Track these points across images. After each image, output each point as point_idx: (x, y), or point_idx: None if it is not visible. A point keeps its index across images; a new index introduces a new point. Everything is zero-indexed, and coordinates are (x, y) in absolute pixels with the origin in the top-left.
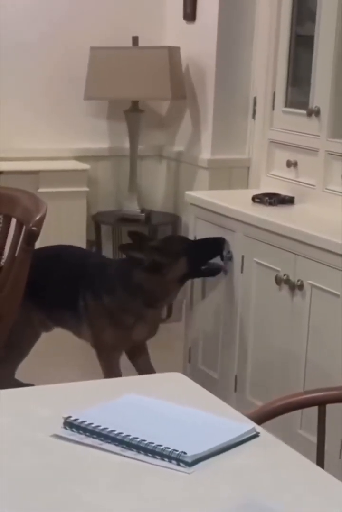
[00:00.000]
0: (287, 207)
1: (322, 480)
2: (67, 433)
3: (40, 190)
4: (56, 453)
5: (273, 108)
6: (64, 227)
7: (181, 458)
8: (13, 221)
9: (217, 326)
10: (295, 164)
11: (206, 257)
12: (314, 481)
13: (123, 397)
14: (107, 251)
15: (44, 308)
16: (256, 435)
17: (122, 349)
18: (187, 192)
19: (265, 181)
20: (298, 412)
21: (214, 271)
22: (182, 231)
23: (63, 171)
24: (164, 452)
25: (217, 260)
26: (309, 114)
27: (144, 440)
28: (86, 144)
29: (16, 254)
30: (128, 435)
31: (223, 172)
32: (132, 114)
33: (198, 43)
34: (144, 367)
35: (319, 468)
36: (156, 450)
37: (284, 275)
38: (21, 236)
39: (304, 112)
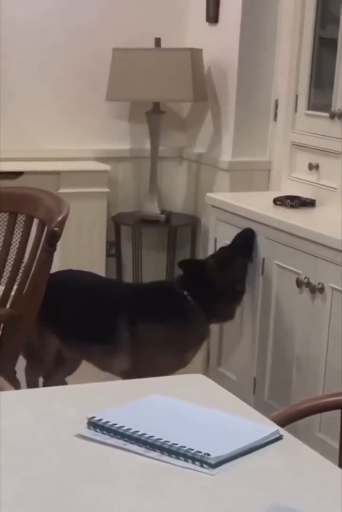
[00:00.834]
0: (308, 209)
1: None
2: (91, 433)
3: (61, 190)
4: (80, 453)
5: (296, 110)
6: (84, 228)
7: (204, 459)
8: (35, 221)
9: (236, 329)
10: (316, 167)
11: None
12: (337, 484)
13: (148, 398)
14: (127, 252)
15: (64, 339)
16: (279, 438)
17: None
18: (208, 194)
19: (286, 183)
20: (317, 416)
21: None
22: (201, 233)
23: (84, 171)
24: (188, 454)
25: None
26: (332, 116)
27: (168, 441)
28: (107, 145)
29: (37, 255)
30: (152, 436)
31: (244, 174)
32: (154, 115)
33: (220, 45)
34: None
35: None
36: (180, 451)
37: (305, 278)
38: (43, 237)
39: (327, 114)
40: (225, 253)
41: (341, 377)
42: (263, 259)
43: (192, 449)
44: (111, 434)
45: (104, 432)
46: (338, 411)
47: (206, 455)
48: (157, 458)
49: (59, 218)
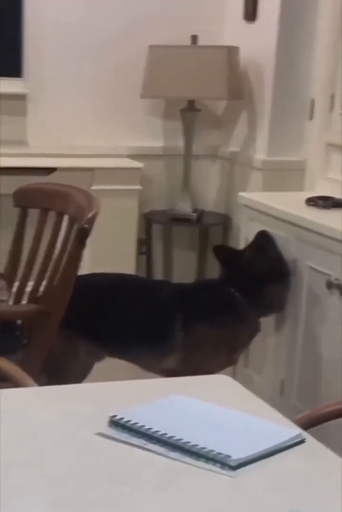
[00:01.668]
0: (341, 210)
1: None
2: (112, 432)
3: (94, 187)
4: (101, 451)
5: (331, 110)
6: (115, 225)
7: (225, 461)
8: (66, 218)
9: (265, 330)
10: None
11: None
12: None
13: (170, 397)
14: (158, 250)
15: (107, 343)
16: (302, 441)
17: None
18: (240, 193)
19: (321, 183)
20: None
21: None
22: (233, 233)
23: (117, 169)
24: (209, 455)
25: None
26: None
27: (189, 442)
28: (141, 142)
29: (67, 252)
30: (173, 436)
31: (278, 173)
32: (188, 113)
33: (257, 43)
34: None
35: None
36: (201, 452)
37: (335, 279)
38: (73, 233)
39: None
40: (256, 242)
41: None
42: (295, 260)
43: (213, 451)
44: (132, 433)
45: (126, 431)
46: None
47: (227, 457)
48: (178, 459)
49: (89, 215)
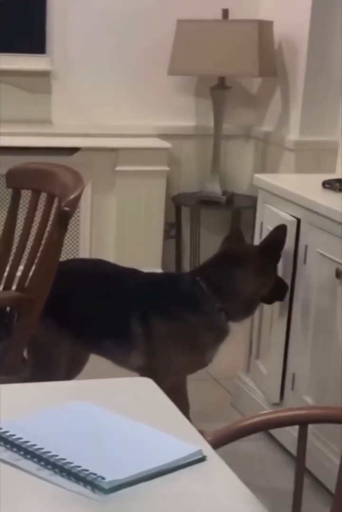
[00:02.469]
0: None
1: None
2: None
3: (118, 168)
4: None
5: None
6: (142, 208)
7: (97, 483)
8: (56, 200)
9: (276, 320)
10: None
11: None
12: None
13: (66, 404)
14: (186, 233)
15: (76, 334)
16: (202, 459)
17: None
18: (256, 175)
19: None
20: None
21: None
22: None
23: (142, 149)
24: (80, 475)
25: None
26: None
27: (63, 459)
28: (171, 121)
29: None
30: (48, 452)
31: (311, 154)
32: (218, 91)
33: (292, 18)
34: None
35: (256, 501)
36: (73, 471)
37: None
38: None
39: None
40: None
41: None
42: (306, 246)
43: (87, 470)
44: (7, 445)
45: (1, 443)
46: None
47: (100, 478)
48: (47, 479)
49: (71, 197)
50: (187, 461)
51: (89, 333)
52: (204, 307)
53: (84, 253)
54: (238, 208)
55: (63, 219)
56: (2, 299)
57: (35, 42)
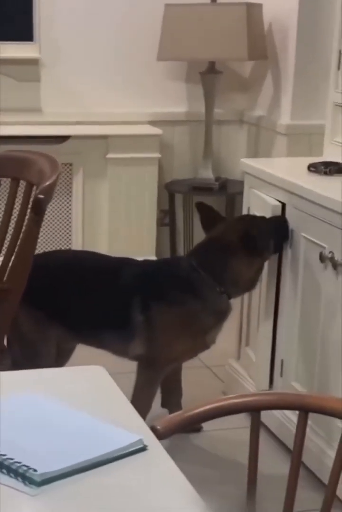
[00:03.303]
0: None
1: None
2: None
3: (110, 155)
4: None
5: (339, 68)
6: (133, 195)
7: (28, 475)
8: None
9: (263, 307)
10: None
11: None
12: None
13: (8, 396)
14: (179, 221)
15: (72, 328)
16: (143, 449)
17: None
18: (242, 160)
19: (328, 149)
20: None
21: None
22: None
23: (133, 136)
24: (12, 467)
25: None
26: None
27: None
28: (162, 108)
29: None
30: None
31: (302, 138)
32: (209, 76)
33: (280, 0)
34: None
35: (195, 493)
36: (5, 463)
37: (330, 252)
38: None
39: None
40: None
41: None
42: (291, 230)
43: (19, 462)
44: None
45: None
46: None
47: (32, 471)
48: None
49: (45, 185)
50: (126, 451)
51: (86, 325)
52: (206, 292)
53: (76, 243)
54: (231, 194)
55: (39, 207)
56: None
57: (22, 29)
